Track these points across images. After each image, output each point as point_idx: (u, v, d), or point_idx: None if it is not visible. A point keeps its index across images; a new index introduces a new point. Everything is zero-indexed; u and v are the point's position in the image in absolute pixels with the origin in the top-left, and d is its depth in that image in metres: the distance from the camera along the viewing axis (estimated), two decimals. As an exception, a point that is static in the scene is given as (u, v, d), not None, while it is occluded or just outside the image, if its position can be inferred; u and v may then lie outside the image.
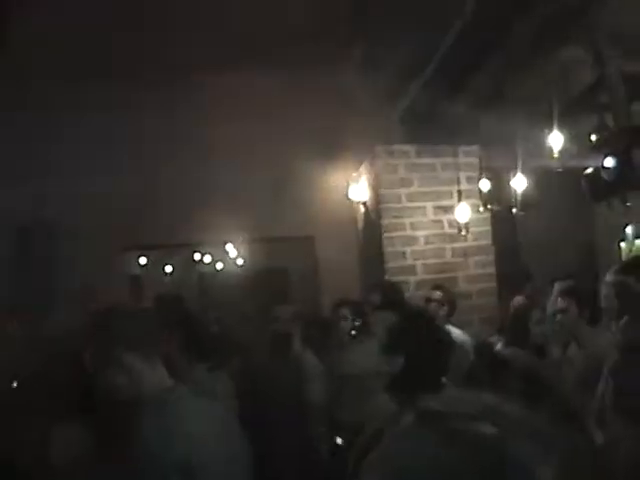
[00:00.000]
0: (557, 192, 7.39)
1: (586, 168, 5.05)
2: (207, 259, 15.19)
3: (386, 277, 7.91)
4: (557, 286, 5.58)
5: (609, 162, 4.67)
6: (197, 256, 15.19)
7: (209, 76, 8.90)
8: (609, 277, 5.02)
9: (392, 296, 6.34)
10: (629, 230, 9.68)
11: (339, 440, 5.57)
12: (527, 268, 8.61)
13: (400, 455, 1.37)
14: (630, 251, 9.54)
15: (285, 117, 9.12)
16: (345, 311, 6.37)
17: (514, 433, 1.29)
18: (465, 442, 1.29)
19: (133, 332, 2.59)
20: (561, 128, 5.61)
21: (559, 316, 4.96)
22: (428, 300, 6.81)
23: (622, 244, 9.85)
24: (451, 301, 6.83)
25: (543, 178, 6.66)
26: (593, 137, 4.93)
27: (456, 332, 6.45)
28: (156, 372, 2.62)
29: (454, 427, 1.34)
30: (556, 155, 5.51)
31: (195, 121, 9.17)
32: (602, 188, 4.89)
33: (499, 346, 5.80)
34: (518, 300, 7.34)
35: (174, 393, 2.63)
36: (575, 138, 5.70)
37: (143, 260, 14.77)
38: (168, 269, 15.86)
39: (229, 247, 13.73)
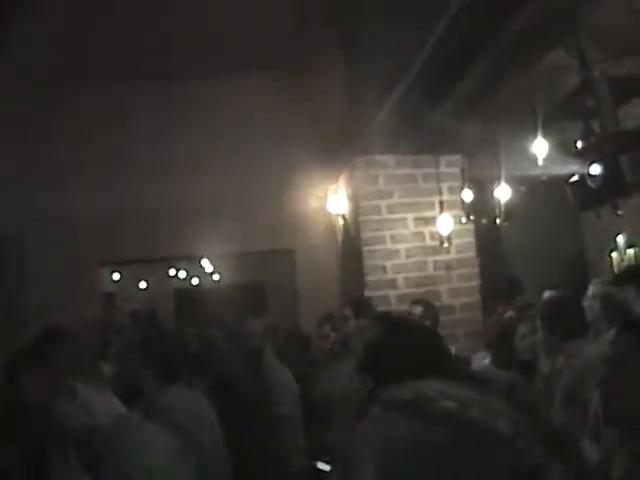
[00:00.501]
0: (543, 201, 7.36)
1: (572, 176, 4.98)
2: (182, 274, 15.11)
3: (366, 291, 7.89)
4: (545, 296, 5.53)
5: (595, 169, 4.61)
6: (172, 271, 15.10)
7: (184, 84, 8.91)
8: (593, 289, 4.96)
9: (363, 311, 6.26)
10: (620, 239, 9.61)
11: (321, 465, 5.44)
12: (517, 280, 8.55)
13: (375, 438, 1.48)
14: (622, 261, 9.48)
15: (262, 127, 9.15)
16: (327, 329, 6.34)
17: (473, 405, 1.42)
18: (430, 417, 1.42)
19: (78, 359, 2.45)
20: (546, 135, 5.57)
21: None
22: (409, 315, 6.70)
23: (613, 254, 9.78)
24: (433, 316, 6.75)
25: (528, 187, 6.63)
26: (579, 144, 4.87)
27: None
28: (107, 401, 2.49)
29: (419, 407, 1.47)
30: (541, 163, 5.46)
31: (168, 132, 9.19)
32: (588, 196, 4.83)
33: (486, 362, 5.77)
34: (509, 315, 7.27)
35: (126, 422, 2.50)
36: (561, 145, 5.66)
37: (117, 276, 14.75)
38: (142, 285, 15.75)
39: (205, 262, 13.68)
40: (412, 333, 2.47)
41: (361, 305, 6.69)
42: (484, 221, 7.77)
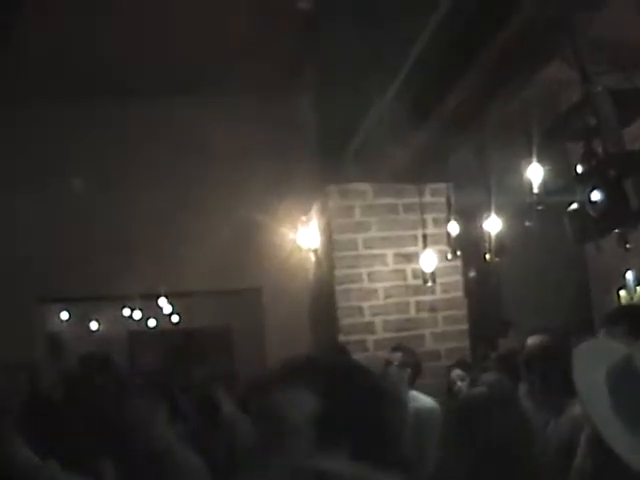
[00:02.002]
0: (539, 234, 7.29)
1: (571, 204, 4.87)
2: (137, 315, 14.94)
3: (340, 336, 7.84)
4: (529, 341, 5.44)
5: (596, 195, 4.49)
6: (126, 312, 14.93)
7: (142, 105, 8.99)
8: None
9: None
10: (630, 276, 9.46)
11: None
12: (508, 322, 8.45)
13: None
14: (631, 300, 9.33)
15: (225, 152, 9.25)
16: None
17: None
18: None
19: None
20: (541, 159, 5.49)
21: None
22: (388, 363, 6.69)
23: (622, 292, 9.64)
24: (415, 363, 6.70)
25: (522, 218, 6.56)
26: (579, 167, 4.75)
27: (422, 399, 6.42)
28: None
29: None
30: (536, 191, 5.38)
31: (121, 157, 9.26)
32: (588, 226, 4.72)
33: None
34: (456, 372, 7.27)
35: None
36: (558, 170, 5.60)
37: (65, 315, 14.61)
38: (93, 326, 15.53)
39: (162, 301, 13.55)
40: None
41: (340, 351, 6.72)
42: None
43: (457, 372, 6.92)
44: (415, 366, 6.71)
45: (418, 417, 6.08)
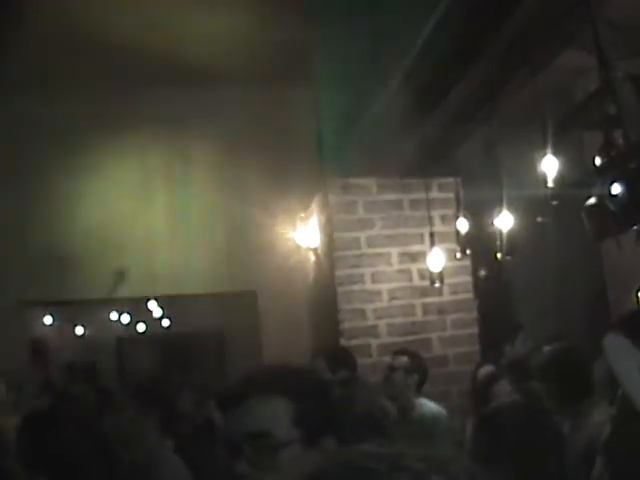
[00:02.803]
0: (554, 230, 7.27)
1: (589, 198, 4.85)
2: (126, 319, 14.97)
3: (342, 340, 7.82)
4: (546, 349, 5.48)
5: (617, 189, 4.47)
6: (114, 316, 14.94)
7: (132, 97, 8.96)
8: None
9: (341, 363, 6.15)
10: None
11: None
12: (517, 326, 8.44)
13: None
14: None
15: (219, 144, 9.31)
16: None
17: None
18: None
19: None
20: (557, 151, 5.47)
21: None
22: (392, 368, 6.68)
23: (641, 295, 9.64)
24: (421, 368, 6.64)
25: (535, 214, 6.53)
26: (597, 159, 4.72)
27: (429, 404, 6.46)
28: None
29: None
30: (551, 184, 5.35)
31: (112, 151, 9.23)
32: (608, 222, 4.70)
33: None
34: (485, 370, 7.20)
35: None
36: (574, 162, 5.58)
37: (48, 319, 14.60)
38: (79, 331, 15.54)
39: (152, 305, 13.58)
40: None
41: (337, 356, 6.57)
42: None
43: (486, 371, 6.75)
44: (422, 372, 6.68)
45: (423, 423, 6.13)
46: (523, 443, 3.09)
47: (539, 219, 6.70)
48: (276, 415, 2.20)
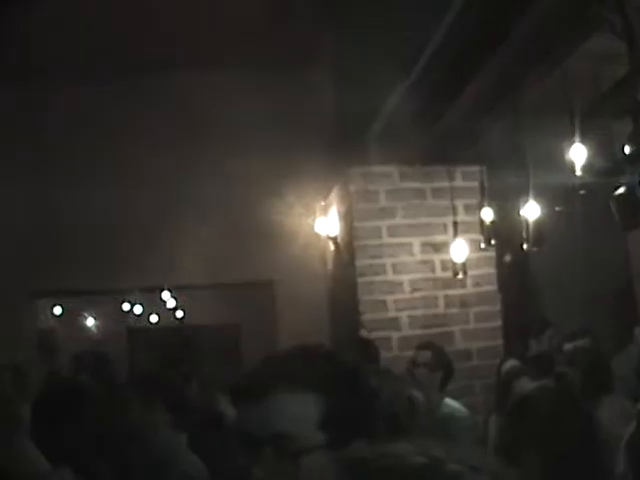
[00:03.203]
0: (582, 221, 7.28)
1: (618, 188, 4.88)
2: (138, 310, 15.00)
3: (362, 332, 7.80)
4: (572, 344, 5.50)
5: None
6: (126, 306, 14.99)
7: (145, 80, 8.98)
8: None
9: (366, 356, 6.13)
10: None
11: None
12: (545, 321, 8.45)
13: None
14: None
15: (234, 131, 9.18)
16: None
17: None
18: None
19: None
20: (585, 139, 5.48)
21: None
22: (414, 364, 6.56)
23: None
24: (445, 364, 6.57)
25: (564, 204, 6.55)
26: (627, 147, 4.75)
27: (453, 405, 6.38)
28: None
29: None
30: (579, 173, 5.37)
31: (122, 134, 9.26)
32: (637, 212, 4.74)
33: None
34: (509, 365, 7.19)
35: None
36: (604, 150, 5.58)
37: (58, 310, 14.63)
38: (90, 322, 15.60)
39: (166, 295, 13.59)
40: None
41: (361, 348, 6.59)
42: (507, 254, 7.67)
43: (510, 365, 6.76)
44: (447, 368, 6.56)
45: (446, 425, 6.06)
46: (555, 430, 3.09)
47: (557, 208, 6.73)
48: (301, 415, 1.99)
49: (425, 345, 6.81)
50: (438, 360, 6.57)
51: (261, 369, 2.08)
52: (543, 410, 3.22)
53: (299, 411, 1.98)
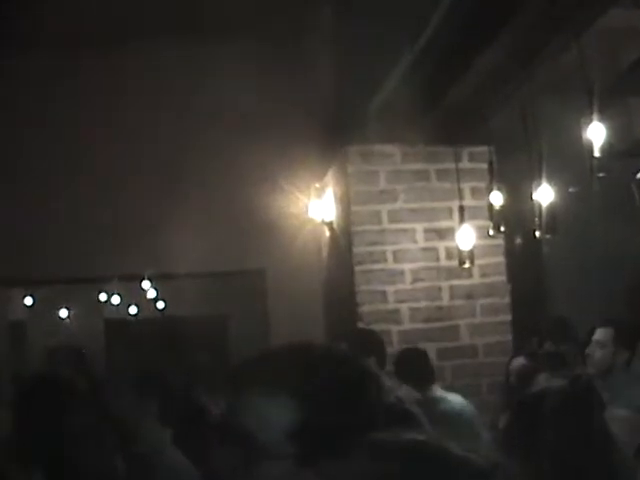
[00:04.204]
0: (599, 206, 7.29)
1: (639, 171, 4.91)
2: (116, 300, 15.02)
3: (360, 325, 7.84)
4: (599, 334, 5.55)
5: None
6: (103, 296, 15.02)
7: (126, 62, 9.06)
8: None
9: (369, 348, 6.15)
10: None
11: None
12: (565, 322, 8.49)
13: None
14: None
15: (222, 106, 9.19)
16: None
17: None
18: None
19: None
20: (604, 118, 5.49)
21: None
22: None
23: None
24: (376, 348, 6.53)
25: (579, 187, 6.56)
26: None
27: (453, 398, 6.47)
28: None
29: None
30: (597, 155, 5.38)
31: (101, 111, 9.20)
32: None
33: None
34: (519, 362, 7.24)
35: None
36: (623, 130, 5.60)
37: (29, 300, 14.67)
38: (63, 313, 15.61)
39: (146, 285, 13.60)
40: None
41: (363, 340, 6.58)
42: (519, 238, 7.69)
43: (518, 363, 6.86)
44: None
45: (444, 421, 6.11)
46: (567, 436, 3.12)
47: (571, 189, 6.75)
48: (272, 421, 1.97)
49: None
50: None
51: (243, 368, 2.08)
52: (554, 414, 3.24)
53: (271, 417, 1.97)
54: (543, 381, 5.70)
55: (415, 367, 6.63)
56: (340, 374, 2.07)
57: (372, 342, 6.62)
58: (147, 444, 4.77)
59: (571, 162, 6.08)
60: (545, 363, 6.71)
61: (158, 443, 4.83)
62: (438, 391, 6.54)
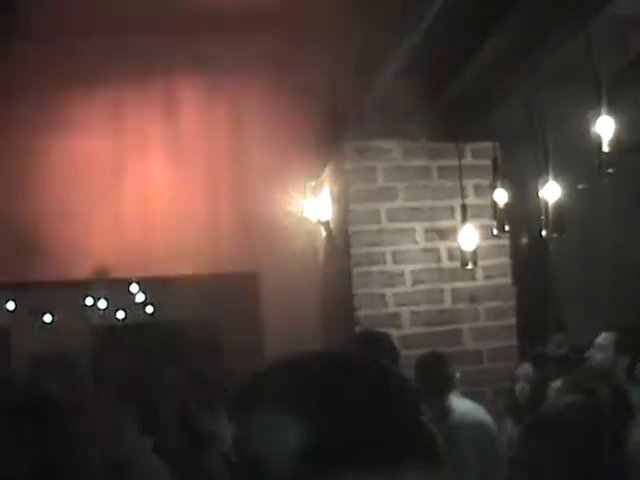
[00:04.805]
0: (609, 204, 7.28)
1: None
2: (102, 305, 14.99)
3: (357, 330, 7.80)
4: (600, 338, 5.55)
5: None
6: (89, 301, 14.98)
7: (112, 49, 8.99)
8: None
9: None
10: None
11: None
12: (558, 322, 8.50)
13: None
14: None
15: (212, 101, 9.16)
16: None
17: None
18: None
19: None
20: (613, 110, 5.48)
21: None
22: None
23: None
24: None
25: (588, 184, 6.55)
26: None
27: (468, 406, 6.47)
28: None
29: None
30: (606, 150, 5.37)
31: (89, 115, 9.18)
32: None
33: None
34: (523, 369, 7.27)
35: None
36: (633, 124, 5.58)
37: (11, 305, 14.67)
38: (47, 318, 15.57)
39: (134, 288, 13.59)
40: None
41: (375, 343, 6.52)
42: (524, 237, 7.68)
43: (525, 369, 6.86)
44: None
45: (453, 436, 6.06)
46: (585, 453, 3.09)
47: (580, 186, 6.73)
48: (279, 440, 1.89)
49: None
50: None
51: (253, 383, 1.98)
52: (573, 430, 3.21)
53: (277, 435, 1.89)
54: (555, 393, 5.68)
55: (431, 374, 6.59)
56: (375, 387, 1.97)
57: (384, 345, 6.59)
58: (126, 451, 4.87)
59: (579, 158, 6.07)
60: (554, 369, 6.70)
61: (137, 450, 4.92)
62: (455, 400, 6.47)
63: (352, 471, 1.84)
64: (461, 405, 6.44)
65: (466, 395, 6.88)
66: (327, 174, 8.86)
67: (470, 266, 7.78)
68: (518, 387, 6.97)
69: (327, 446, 1.87)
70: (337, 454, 1.87)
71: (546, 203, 6.53)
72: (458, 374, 6.68)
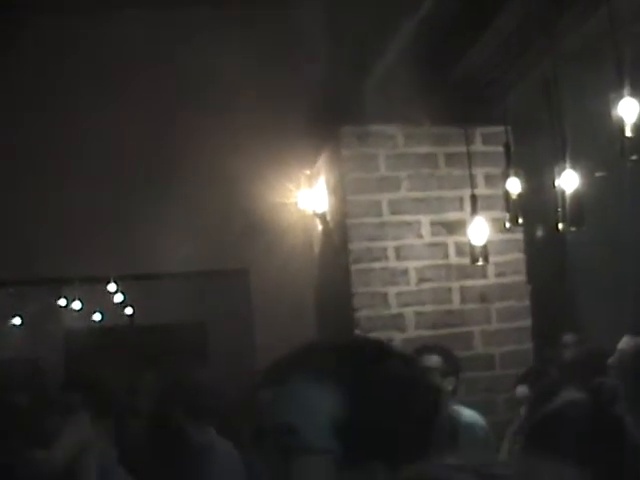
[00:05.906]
0: (632, 194, 7.29)
1: None
2: (77, 306, 15.04)
3: (357, 332, 7.84)
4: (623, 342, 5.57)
5: None
6: (62, 301, 15.03)
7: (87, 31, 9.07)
8: None
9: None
10: None
11: None
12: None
13: None
14: None
15: (199, 79, 9.28)
16: None
17: None
18: None
19: None
20: (637, 91, 5.49)
21: None
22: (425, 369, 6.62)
23: None
24: (458, 371, 6.77)
25: (608, 172, 6.56)
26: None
27: (464, 414, 6.56)
28: None
29: None
30: (629, 135, 5.38)
31: (60, 95, 9.24)
32: None
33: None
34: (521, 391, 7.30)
35: None
36: None
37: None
38: (17, 321, 15.61)
39: (112, 288, 13.62)
40: None
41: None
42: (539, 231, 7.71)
43: (523, 390, 6.86)
44: (458, 375, 6.77)
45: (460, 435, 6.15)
46: (592, 455, 3.10)
47: (598, 174, 6.74)
48: (313, 407, 2.04)
49: (429, 348, 6.88)
50: (450, 366, 6.71)
51: (286, 356, 2.16)
52: (574, 429, 3.22)
53: (312, 403, 2.04)
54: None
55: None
56: (405, 378, 2.15)
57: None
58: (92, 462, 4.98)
59: (599, 144, 6.08)
60: (572, 374, 6.72)
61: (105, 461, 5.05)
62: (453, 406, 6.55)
63: (378, 459, 2.00)
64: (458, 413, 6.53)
65: (476, 404, 7.00)
66: (323, 162, 8.87)
67: (480, 262, 7.76)
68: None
69: (357, 426, 2.02)
70: (364, 435, 2.02)
71: (563, 193, 6.55)
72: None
